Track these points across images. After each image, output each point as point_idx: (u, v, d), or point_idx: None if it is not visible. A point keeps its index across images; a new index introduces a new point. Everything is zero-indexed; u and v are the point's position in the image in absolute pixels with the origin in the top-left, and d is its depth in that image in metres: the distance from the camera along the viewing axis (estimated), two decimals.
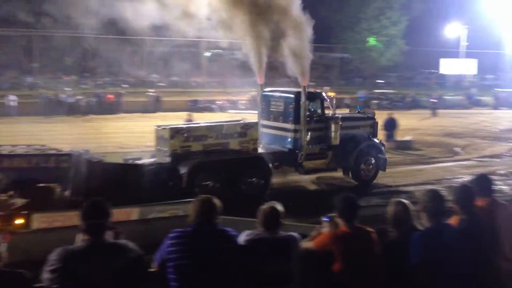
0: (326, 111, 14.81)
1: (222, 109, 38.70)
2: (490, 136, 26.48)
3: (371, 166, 15.05)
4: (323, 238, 4.24)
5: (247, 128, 13.44)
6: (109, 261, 3.49)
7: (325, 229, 4.48)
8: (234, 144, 13.13)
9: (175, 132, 12.58)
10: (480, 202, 4.55)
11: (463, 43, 57.20)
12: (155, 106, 37.81)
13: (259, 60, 15.04)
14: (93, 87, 44.69)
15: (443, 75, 64.34)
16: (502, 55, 56.73)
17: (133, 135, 23.53)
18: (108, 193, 9.16)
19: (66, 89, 37.45)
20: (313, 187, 15.16)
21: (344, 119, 14.83)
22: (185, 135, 12.61)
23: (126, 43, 48.15)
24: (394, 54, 58.13)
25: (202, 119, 17.91)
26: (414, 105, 42.04)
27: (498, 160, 19.84)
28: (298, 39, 14.33)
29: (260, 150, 13.93)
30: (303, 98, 14.03)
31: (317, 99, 14.66)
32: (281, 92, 15.26)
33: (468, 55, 60.23)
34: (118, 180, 10.96)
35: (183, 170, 12.11)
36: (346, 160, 14.69)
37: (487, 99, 47.50)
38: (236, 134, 13.22)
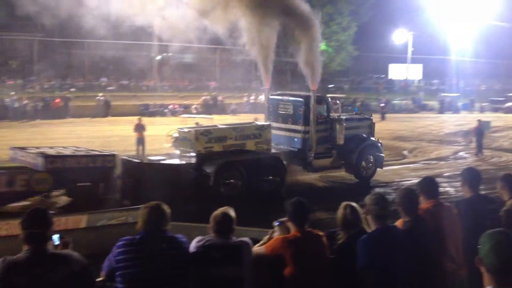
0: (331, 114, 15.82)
1: (174, 113, 38.32)
2: (436, 140, 27.36)
3: (370, 164, 16.07)
4: (274, 242, 4.24)
5: (261, 130, 14.33)
6: (49, 273, 3.31)
7: (276, 233, 4.49)
8: (250, 145, 13.97)
9: (200, 133, 13.30)
10: (425, 204, 4.67)
11: (410, 49, 58.85)
12: (105, 110, 37.10)
13: (265, 64, 16.26)
14: (40, 91, 43.37)
15: (391, 80, 66.09)
16: (447, 61, 58.72)
17: (82, 141, 22.92)
18: (148, 192, 10.09)
19: (11, 93, 36.24)
20: (320, 184, 16.19)
21: (346, 120, 15.86)
22: (208, 136, 13.34)
23: (74, 46, 47.21)
24: (344, 59, 59.13)
25: (219, 122, 18.77)
26: (364, 109, 42.92)
27: (443, 162, 20.49)
28: (309, 46, 15.60)
29: (272, 150, 14.75)
30: (312, 102, 15.00)
31: (323, 102, 15.70)
32: (290, 96, 16.26)
33: (415, 61, 62.10)
34: (158, 179, 11.49)
35: (209, 169, 12.74)
36: (349, 158, 15.65)
37: (433, 103, 49.07)
38: (252, 135, 14.05)
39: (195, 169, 12.87)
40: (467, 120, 38.75)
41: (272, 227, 4.53)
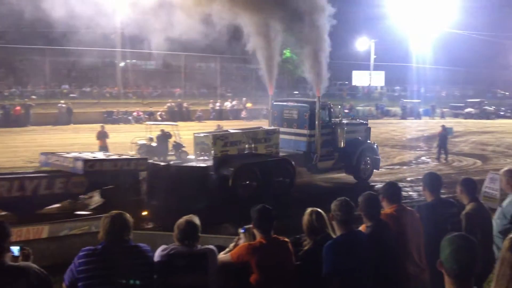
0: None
1: (138, 120, 37.89)
2: (399, 145, 27.86)
3: (368, 166, 17.07)
4: (240, 250, 4.22)
5: (270, 134, 15.14)
6: (6, 286, 3.20)
7: (242, 240, 4.47)
8: (261, 149, 14.76)
9: (216, 138, 13.89)
10: (388, 209, 4.73)
11: (372, 56, 59.93)
12: (67, 118, 36.41)
13: (270, 72, 17.12)
14: None
15: (355, 87, 67.10)
16: (408, 68, 60.04)
17: (44, 149, 22.43)
18: (174, 194, 11.61)
19: None
20: (323, 185, 16.73)
21: (346, 125, 16.90)
22: (224, 141, 14.01)
23: (35, 53, 46.19)
24: None
25: (230, 127, 19.25)
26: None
27: (406, 167, 20.84)
28: (314, 54, 16.21)
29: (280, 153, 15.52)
30: (317, 107, 15.83)
31: (325, 108, 16.48)
32: (295, 102, 17.38)
33: (378, 68, 63.26)
34: (182, 181, 12.38)
35: (227, 171, 13.31)
36: (350, 161, 16.57)
37: (395, 109, 49.99)
38: (262, 139, 14.85)
39: (214, 171, 13.48)
40: (429, 125, 39.73)
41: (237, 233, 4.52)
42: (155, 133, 20.82)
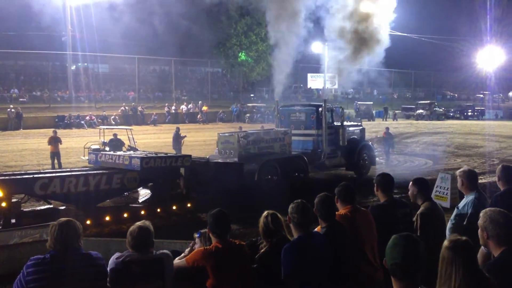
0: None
1: (91, 125, 37.13)
2: None
3: (366, 162, 18.71)
4: (195, 254, 4.17)
5: (284, 134, 16.51)
6: None
7: (197, 245, 4.42)
8: (276, 147, 16.17)
9: (241, 137, 15.24)
10: (342, 210, 4.78)
11: (326, 59, 60.61)
12: (17, 123, 35.33)
13: (279, 79, 18.95)
14: None
15: (310, 89, 67.84)
16: (361, 70, 61.10)
17: None
18: (211, 186, 13.30)
19: None
20: (328, 180, 17.68)
21: (346, 126, 18.73)
22: (247, 139, 15.38)
23: None
24: (263, 69, 60.05)
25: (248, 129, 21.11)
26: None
27: None
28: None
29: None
30: (324, 110, 17.34)
31: (329, 110, 17.94)
32: (301, 106, 19.03)
33: (331, 70, 64.09)
34: (216, 176, 13.87)
35: (253, 167, 14.56)
36: (351, 158, 18.23)
37: (349, 111, 50.82)
38: (278, 139, 16.24)
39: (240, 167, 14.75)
40: (382, 127, 40.56)
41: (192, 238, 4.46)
42: (108, 138, 20.45)
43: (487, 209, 3.66)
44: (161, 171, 12.40)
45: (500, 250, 3.45)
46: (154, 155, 12.92)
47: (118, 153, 13.06)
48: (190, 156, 13.33)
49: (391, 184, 5.21)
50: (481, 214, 3.60)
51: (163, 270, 3.94)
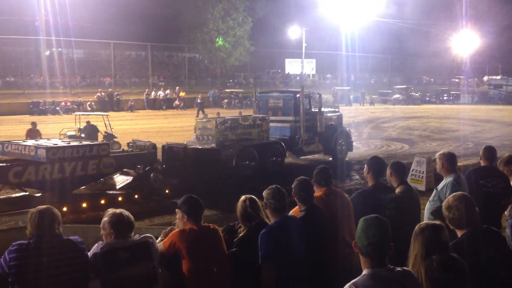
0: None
1: (67, 111, 36.60)
2: None
3: (343, 147, 18.97)
4: (171, 236, 4.20)
5: (262, 121, 16.61)
6: None
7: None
8: (254, 134, 16.32)
9: (219, 123, 15.40)
10: (319, 192, 4.85)
11: (304, 44, 60.69)
12: None
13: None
14: None
15: (288, 75, 67.92)
16: (338, 56, 61.36)
17: None
18: (189, 172, 13.39)
19: None
20: (305, 165, 18.10)
21: (324, 112, 18.84)
22: (225, 125, 15.48)
23: None
24: (241, 54, 59.85)
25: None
26: None
27: None
28: None
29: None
30: (302, 96, 17.49)
31: (307, 97, 18.08)
32: (279, 92, 19.49)
33: (309, 56, 64.22)
34: (195, 162, 13.98)
35: (230, 153, 14.83)
36: (328, 143, 18.46)
37: (327, 96, 51.02)
38: (256, 125, 16.38)
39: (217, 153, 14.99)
40: (359, 112, 40.91)
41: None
42: (84, 124, 20.22)
43: (452, 194, 3.84)
44: (137, 157, 12.70)
45: (462, 232, 3.65)
46: (67, 144, 11.97)
47: (26, 142, 11.94)
48: (107, 144, 12.91)
49: (382, 169, 5.21)
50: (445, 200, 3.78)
51: (151, 252, 3.97)
